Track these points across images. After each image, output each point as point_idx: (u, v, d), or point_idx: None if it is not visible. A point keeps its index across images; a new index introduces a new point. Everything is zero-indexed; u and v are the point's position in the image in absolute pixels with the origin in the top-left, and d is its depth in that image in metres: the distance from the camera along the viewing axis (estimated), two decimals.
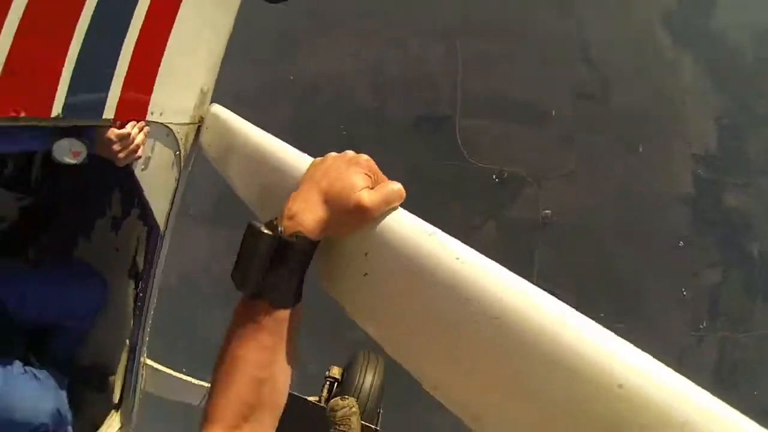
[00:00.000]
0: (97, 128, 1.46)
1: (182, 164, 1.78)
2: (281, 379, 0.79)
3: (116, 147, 1.49)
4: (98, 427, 1.97)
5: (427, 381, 0.68)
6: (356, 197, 0.75)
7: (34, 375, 1.71)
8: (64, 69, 1.32)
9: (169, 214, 1.82)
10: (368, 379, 2.14)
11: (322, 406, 2.01)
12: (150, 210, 1.74)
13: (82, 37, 1.31)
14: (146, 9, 1.46)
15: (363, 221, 0.77)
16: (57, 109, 1.33)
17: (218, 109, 1.76)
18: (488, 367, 0.61)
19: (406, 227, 0.74)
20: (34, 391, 1.68)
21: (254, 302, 0.77)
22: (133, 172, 1.61)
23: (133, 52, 1.47)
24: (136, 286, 1.91)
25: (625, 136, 4.05)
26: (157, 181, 1.72)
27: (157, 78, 1.58)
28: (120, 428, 1.97)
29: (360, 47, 4.45)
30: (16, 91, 1.23)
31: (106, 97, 1.44)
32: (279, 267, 0.75)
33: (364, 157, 0.82)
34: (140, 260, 1.89)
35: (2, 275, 1.78)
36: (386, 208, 0.77)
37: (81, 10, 1.29)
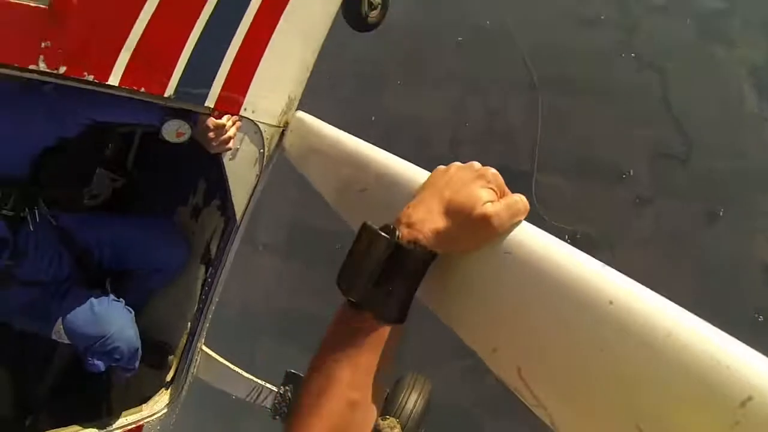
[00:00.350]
0: (199, 114, 1.64)
1: (264, 163, 1.91)
2: (374, 401, 0.72)
3: (212, 134, 1.65)
4: (146, 400, 2.08)
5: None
6: (481, 209, 0.70)
7: (125, 307, 1.91)
8: (182, 55, 1.52)
9: (246, 208, 1.95)
10: (412, 400, 2.14)
11: None
12: (231, 201, 1.88)
13: (201, 29, 1.52)
14: (253, 15, 1.66)
15: (486, 236, 0.72)
16: (170, 90, 1.52)
17: (303, 115, 1.89)
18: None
19: (535, 241, 0.71)
20: (123, 317, 1.87)
21: (357, 313, 0.70)
22: (222, 161, 1.76)
23: (238, 51, 1.66)
24: (206, 272, 2.04)
25: (705, 199, 3.85)
26: (240, 174, 1.86)
27: (254, 79, 1.75)
28: (167, 405, 2.07)
29: (443, 94, 4.59)
30: (142, 67, 1.43)
31: (210, 87, 1.62)
32: (391, 277, 0.68)
33: (492, 170, 0.75)
34: (213, 248, 2.04)
35: (91, 224, 1.98)
36: (510, 223, 0.71)
37: (204, 6, 1.49)
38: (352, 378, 0.69)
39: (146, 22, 1.39)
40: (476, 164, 0.77)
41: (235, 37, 1.64)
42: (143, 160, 2.21)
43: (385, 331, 0.70)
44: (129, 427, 1.96)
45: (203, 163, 1.93)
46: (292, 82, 1.95)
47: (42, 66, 1.27)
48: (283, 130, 1.92)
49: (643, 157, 4.54)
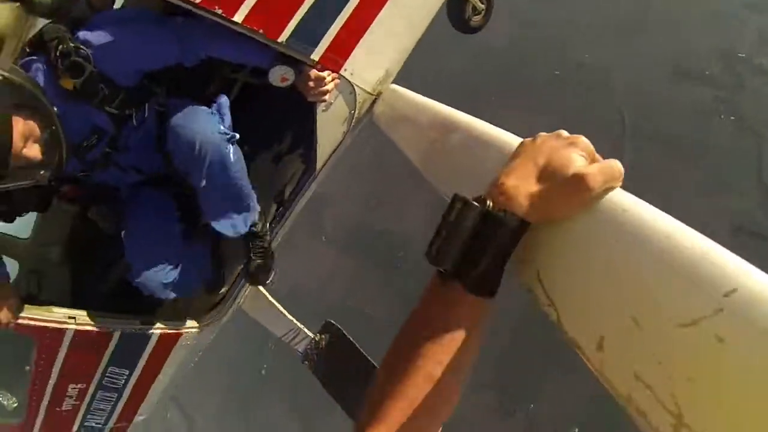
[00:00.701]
0: (304, 65, 1.83)
1: (352, 124, 2.08)
2: (459, 381, 0.70)
3: (312, 84, 1.84)
4: (185, 314, 2.30)
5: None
6: (575, 171, 0.66)
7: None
8: (300, 9, 1.74)
9: (326, 161, 2.13)
10: None
11: None
12: (315, 151, 2.06)
13: None
14: None
15: (580, 200, 0.68)
16: (284, 37, 1.73)
17: (396, 87, 2.05)
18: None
19: (630, 205, 0.66)
20: (162, 274, 2.02)
21: (446, 285, 0.69)
22: (315, 111, 1.95)
23: (349, 17, 1.85)
24: (276, 210, 2.23)
25: None
26: (329, 127, 2.04)
27: (358, 46, 1.93)
28: (204, 325, 2.28)
29: (530, 120, 4.61)
30: (265, 12, 1.66)
31: (319, 43, 1.82)
32: (482, 246, 0.67)
33: (582, 137, 0.72)
34: (287, 191, 2.22)
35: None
36: (605, 186, 0.67)
37: None
38: (439, 351, 0.68)
39: None
40: (564, 132, 0.74)
41: (348, 4, 1.85)
42: (238, 105, 2.44)
43: (477, 305, 0.69)
44: (168, 331, 2.18)
45: (295, 115, 2.13)
46: (391, 57, 2.11)
47: None
48: (376, 99, 2.08)
49: (724, 228, 4.31)
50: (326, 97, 1.89)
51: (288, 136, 2.33)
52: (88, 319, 2.03)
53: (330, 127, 2.05)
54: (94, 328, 2.03)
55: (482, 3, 2.89)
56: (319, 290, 5.25)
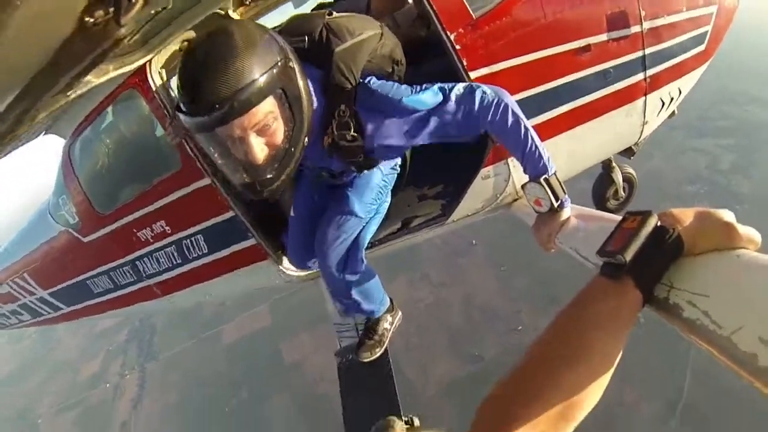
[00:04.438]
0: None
1: (492, 206, 2.53)
2: (610, 371, 0.79)
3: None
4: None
5: None
6: (728, 220, 0.83)
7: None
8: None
9: (455, 221, 2.55)
10: None
11: None
12: (455, 207, 2.48)
13: None
14: (556, 114, 2.40)
15: (724, 242, 0.84)
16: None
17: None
18: None
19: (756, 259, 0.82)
20: None
21: (617, 281, 0.83)
22: (475, 176, 2.41)
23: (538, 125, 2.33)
24: (398, 230, 2.57)
25: None
26: (474, 195, 2.47)
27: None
28: (284, 271, 2.53)
29: None
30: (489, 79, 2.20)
31: None
32: (652, 251, 0.83)
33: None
34: (416, 222, 2.60)
35: None
36: (747, 238, 0.83)
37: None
38: (605, 347, 0.78)
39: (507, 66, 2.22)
40: None
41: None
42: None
43: (638, 304, 0.82)
44: (261, 248, 2.42)
45: (456, 174, 2.57)
46: None
47: (453, 37, 2.12)
48: (515, 200, 2.52)
49: None
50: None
51: (440, 186, 2.75)
52: (225, 184, 2.22)
53: (476, 196, 2.47)
54: (222, 195, 2.23)
55: (624, 192, 3.20)
56: None
